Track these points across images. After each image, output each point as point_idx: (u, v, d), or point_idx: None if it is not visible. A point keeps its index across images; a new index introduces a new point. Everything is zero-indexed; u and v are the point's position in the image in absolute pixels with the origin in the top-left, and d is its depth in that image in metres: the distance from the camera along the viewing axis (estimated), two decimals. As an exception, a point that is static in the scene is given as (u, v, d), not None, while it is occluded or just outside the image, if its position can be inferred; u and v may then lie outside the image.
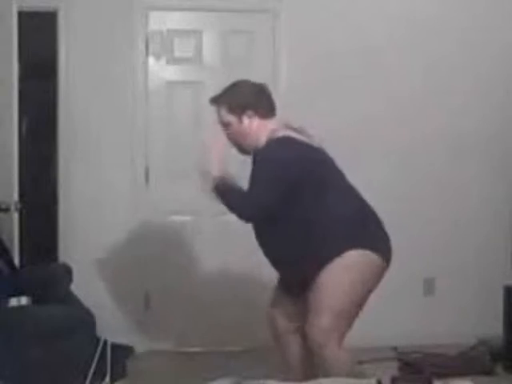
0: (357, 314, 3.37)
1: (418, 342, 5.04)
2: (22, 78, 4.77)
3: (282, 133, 3.38)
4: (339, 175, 3.45)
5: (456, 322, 5.39)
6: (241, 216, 3.37)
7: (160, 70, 5.32)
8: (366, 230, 3.36)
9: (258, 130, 3.42)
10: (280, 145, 3.34)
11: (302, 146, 3.36)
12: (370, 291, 3.38)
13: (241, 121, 3.42)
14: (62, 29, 5.19)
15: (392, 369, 4.56)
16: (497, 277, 5.27)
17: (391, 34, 5.38)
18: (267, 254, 3.50)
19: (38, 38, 5.58)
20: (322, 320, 3.27)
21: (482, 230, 5.52)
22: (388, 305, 4.99)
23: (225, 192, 3.38)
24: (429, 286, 5.50)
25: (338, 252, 3.27)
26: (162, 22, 5.31)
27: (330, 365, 3.27)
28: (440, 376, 3.96)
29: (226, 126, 3.46)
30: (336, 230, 3.29)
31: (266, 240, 3.47)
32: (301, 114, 4.87)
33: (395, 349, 4.96)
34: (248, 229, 5.06)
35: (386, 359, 4.79)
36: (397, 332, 5.19)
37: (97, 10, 5.21)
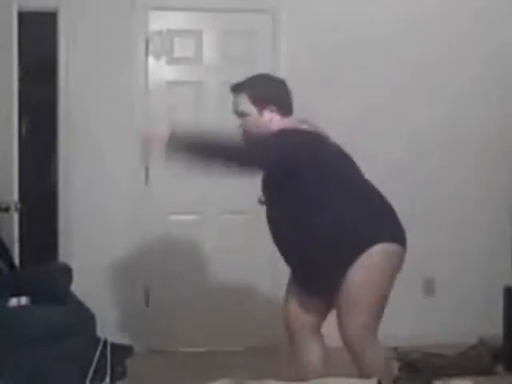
0: (385, 305, 3.39)
1: (417, 342, 5.04)
2: (22, 78, 4.76)
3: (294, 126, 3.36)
4: (356, 169, 3.44)
5: (456, 322, 5.40)
6: (260, 161, 3.25)
7: (160, 70, 5.33)
8: (383, 222, 3.34)
9: (275, 126, 3.37)
10: (293, 132, 3.32)
11: (316, 136, 3.35)
12: (394, 280, 3.40)
13: (261, 114, 3.37)
14: (62, 29, 5.19)
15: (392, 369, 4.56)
16: (497, 277, 5.27)
17: (391, 33, 5.39)
18: (285, 254, 3.43)
19: (38, 38, 5.58)
20: (357, 319, 3.28)
21: (482, 230, 5.52)
22: (388, 305, 4.98)
23: (205, 144, 3.23)
24: (429, 286, 5.50)
25: (361, 250, 3.24)
26: (162, 22, 5.32)
27: (370, 361, 3.32)
28: (440, 376, 3.97)
29: (242, 116, 3.40)
30: (357, 228, 3.26)
31: (285, 242, 3.40)
32: (301, 113, 4.88)
33: (395, 349, 4.95)
34: (248, 228, 5.07)
35: (385, 359, 4.78)
36: (397, 332, 5.17)
37: (97, 10, 5.21)
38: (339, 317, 3.35)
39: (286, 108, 3.42)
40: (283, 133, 3.32)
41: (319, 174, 3.27)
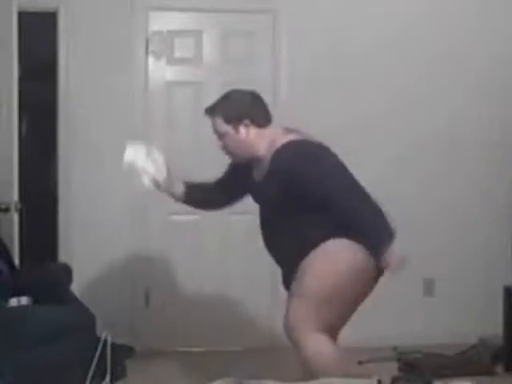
0: (343, 308, 3.32)
1: (417, 342, 5.04)
2: (22, 78, 4.76)
3: (284, 139, 3.37)
4: (342, 170, 3.44)
5: (456, 322, 5.40)
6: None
7: (160, 70, 5.32)
8: (357, 223, 3.29)
9: (255, 138, 3.43)
10: (287, 150, 3.33)
11: (307, 146, 3.36)
12: (359, 289, 3.32)
13: (237, 130, 3.43)
14: (62, 29, 5.19)
15: (392, 369, 4.56)
16: (497, 277, 5.27)
17: (391, 33, 5.39)
18: (269, 246, 3.52)
19: (38, 38, 5.58)
20: (299, 304, 3.27)
21: (481, 231, 5.52)
22: (388, 305, 4.99)
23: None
24: (428, 287, 5.50)
25: (318, 240, 3.27)
26: (162, 21, 5.32)
27: (308, 354, 3.27)
28: (440, 376, 3.97)
29: (221, 136, 3.47)
30: (321, 219, 3.28)
31: (269, 232, 3.48)
32: (301, 114, 4.89)
33: (395, 349, 4.96)
34: (248, 229, 5.05)
35: (385, 359, 4.79)
36: (397, 332, 5.19)
37: (97, 10, 5.21)
38: (287, 303, 3.37)
39: (260, 119, 3.46)
40: (280, 151, 3.35)
41: (311, 181, 3.29)
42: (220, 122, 3.45)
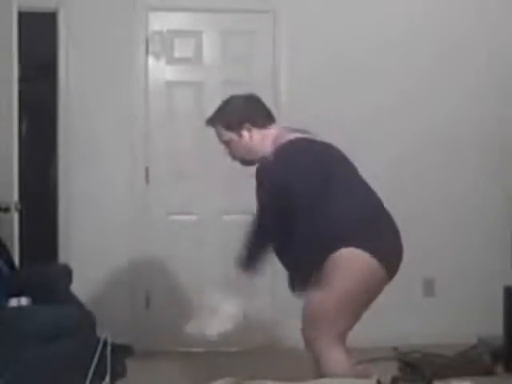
0: (353, 315, 3.31)
1: (417, 341, 5.03)
2: (22, 78, 4.76)
3: (286, 137, 3.36)
4: (350, 171, 3.43)
5: (456, 322, 5.39)
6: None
7: (160, 70, 5.33)
8: (366, 230, 3.28)
9: (260, 140, 3.43)
10: (287, 150, 3.31)
11: (310, 144, 3.35)
12: (368, 293, 3.30)
13: (240, 135, 3.43)
14: (62, 29, 5.19)
15: (392, 369, 4.56)
16: (497, 277, 5.27)
17: (390, 34, 5.39)
18: (278, 257, 3.47)
19: (38, 38, 5.59)
20: (314, 321, 3.23)
21: (481, 231, 5.52)
22: (388, 305, 4.98)
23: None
24: (429, 287, 5.50)
25: (331, 250, 3.21)
26: (162, 22, 5.32)
27: (326, 369, 3.22)
28: (440, 376, 3.98)
29: (227, 144, 3.48)
30: (332, 228, 3.24)
31: (276, 244, 3.43)
32: (300, 114, 4.89)
33: (395, 349, 4.95)
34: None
35: (385, 359, 4.79)
36: (397, 332, 5.19)
37: (97, 10, 5.21)
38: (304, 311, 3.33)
39: (261, 120, 3.46)
40: (276, 156, 3.32)
41: (314, 180, 3.27)
42: (221, 130, 3.45)
